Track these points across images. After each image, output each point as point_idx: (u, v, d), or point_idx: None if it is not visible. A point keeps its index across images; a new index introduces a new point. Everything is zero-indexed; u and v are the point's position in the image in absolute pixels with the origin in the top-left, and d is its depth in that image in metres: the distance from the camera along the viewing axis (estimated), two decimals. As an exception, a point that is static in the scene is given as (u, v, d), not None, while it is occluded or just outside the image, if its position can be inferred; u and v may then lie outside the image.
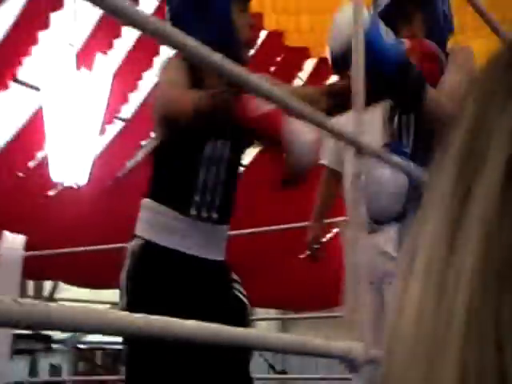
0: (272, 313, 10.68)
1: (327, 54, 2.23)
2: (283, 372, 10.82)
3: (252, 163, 7.36)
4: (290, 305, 9.69)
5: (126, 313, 0.93)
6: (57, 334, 9.96)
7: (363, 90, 1.37)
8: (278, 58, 6.19)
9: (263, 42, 6.07)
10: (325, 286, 8.21)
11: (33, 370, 9.60)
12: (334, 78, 7.24)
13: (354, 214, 1.35)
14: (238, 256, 7.58)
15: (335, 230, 7.84)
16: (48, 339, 9.66)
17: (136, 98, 6.38)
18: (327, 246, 8.92)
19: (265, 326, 11.24)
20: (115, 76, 5.71)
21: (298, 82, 6.65)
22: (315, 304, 8.74)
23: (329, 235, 8.39)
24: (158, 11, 5.50)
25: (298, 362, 11.10)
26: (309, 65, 6.47)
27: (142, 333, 0.89)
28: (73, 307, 0.90)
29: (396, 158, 1.57)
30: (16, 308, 0.81)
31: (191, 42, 1.08)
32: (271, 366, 10.99)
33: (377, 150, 1.34)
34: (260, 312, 10.79)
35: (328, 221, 6.14)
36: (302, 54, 6.07)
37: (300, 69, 6.32)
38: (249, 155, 7.34)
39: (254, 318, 11.55)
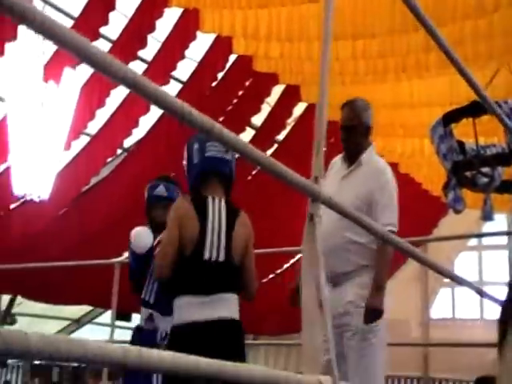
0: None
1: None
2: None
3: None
4: (249, 329, 9.70)
5: (108, 343, 0.96)
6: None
7: (324, 140, 1.43)
8: (247, 83, 6.28)
9: (232, 66, 6.16)
10: (284, 312, 8.27)
11: (-15, 386, 9.36)
12: (301, 105, 7.36)
13: (307, 247, 1.41)
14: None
15: (297, 257, 7.94)
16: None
17: (103, 115, 6.38)
18: (288, 272, 9.00)
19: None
20: (82, 91, 5.71)
21: (265, 107, 6.76)
22: (275, 329, 8.77)
23: (291, 261, 8.51)
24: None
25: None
26: (277, 90, 6.58)
27: (123, 363, 0.93)
28: (53, 336, 0.90)
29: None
30: None
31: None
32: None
33: (328, 198, 1.40)
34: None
35: (290, 248, 6.25)
36: (271, 79, 6.18)
37: (268, 94, 6.42)
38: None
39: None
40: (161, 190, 3.37)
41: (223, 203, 2.48)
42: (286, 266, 8.50)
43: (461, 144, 3.89)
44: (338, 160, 3.09)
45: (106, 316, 9.54)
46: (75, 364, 11.17)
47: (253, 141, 6.71)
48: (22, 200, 6.06)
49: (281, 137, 7.22)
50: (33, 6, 0.96)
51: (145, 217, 3.42)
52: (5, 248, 6.18)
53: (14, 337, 0.88)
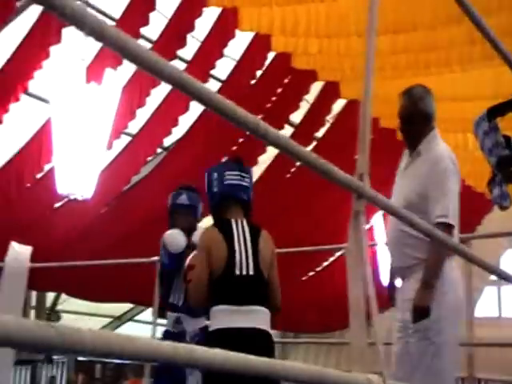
0: (272, 334, 10.62)
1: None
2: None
3: (259, 181, 7.43)
4: (289, 327, 9.68)
5: (158, 341, 0.97)
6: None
7: (369, 136, 1.41)
8: (285, 80, 6.26)
9: (270, 64, 6.15)
10: (326, 310, 8.25)
11: (33, 381, 9.59)
12: (340, 102, 7.31)
13: (353, 245, 1.40)
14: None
15: (338, 254, 7.90)
16: (47, 350, 9.62)
17: (143, 114, 6.46)
18: (329, 270, 8.97)
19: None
20: (123, 91, 5.78)
21: (303, 104, 6.73)
22: (315, 327, 8.74)
23: (331, 259, 8.47)
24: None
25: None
26: (316, 87, 6.55)
27: (173, 359, 0.94)
28: (107, 333, 0.92)
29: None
30: (52, 333, 0.85)
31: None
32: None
33: (374, 195, 1.39)
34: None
35: (331, 247, 6.23)
36: (309, 76, 6.15)
37: (307, 91, 6.40)
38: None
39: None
40: (183, 198, 3.63)
41: (245, 223, 2.70)
42: (325, 263, 8.46)
43: (507, 138, 3.79)
44: (406, 151, 3.04)
45: (147, 313, 9.64)
46: (117, 361, 11.35)
47: (292, 138, 6.69)
48: (65, 199, 6.17)
49: (320, 134, 7.18)
50: (83, 8, 0.98)
51: (168, 223, 3.60)
52: (49, 246, 6.30)
53: (69, 333, 0.89)
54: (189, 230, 3.43)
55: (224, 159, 5.46)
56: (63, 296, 8.63)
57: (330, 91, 6.45)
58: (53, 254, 6.07)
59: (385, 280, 3.01)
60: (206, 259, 2.59)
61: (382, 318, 1.58)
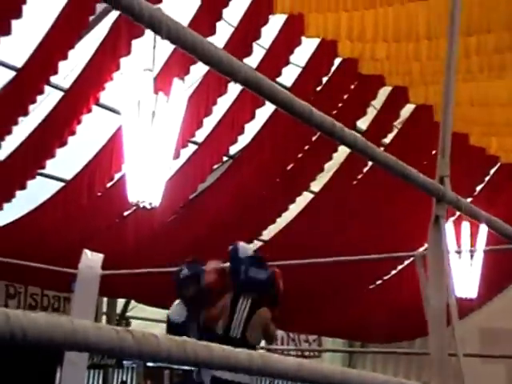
0: (339, 342, 10.49)
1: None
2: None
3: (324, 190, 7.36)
4: (356, 336, 9.53)
5: (233, 348, 0.95)
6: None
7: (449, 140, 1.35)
8: (352, 86, 6.19)
9: (337, 70, 6.09)
10: (394, 319, 8.07)
11: (105, 384, 9.81)
12: (409, 107, 7.15)
13: (433, 251, 1.34)
14: (308, 283, 7.55)
15: (407, 262, 7.71)
16: (117, 355, 9.83)
17: (209, 123, 6.53)
18: (398, 278, 8.76)
19: (329, 356, 11.01)
20: (190, 100, 5.86)
21: (371, 110, 6.64)
22: (383, 337, 8.56)
23: (400, 267, 8.28)
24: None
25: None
26: (383, 93, 6.44)
27: (248, 368, 0.92)
28: (183, 340, 0.92)
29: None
30: (130, 339, 0.85)
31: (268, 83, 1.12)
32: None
33: (455, 199, 1.33)
34: (327, 341, 10.64)
35: (399, 254, 6.08)
36: (377, 81, 6.06)
37: (374, 96, 6.30)
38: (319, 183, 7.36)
39: (323, 348, 11.28)
40: (185, 272, 4.29)
41: (249, 302, 3.80)
42: (393, 272, 8.28)
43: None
44: None
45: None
46: (186, 367, 11.47)
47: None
48: (134, 207, 6.29)
49: (387, 140, 7.06)
50: (160, 12, 0.97)
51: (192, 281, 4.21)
52: (119, 254, 6.44)
53: (146, 339, 0.89)
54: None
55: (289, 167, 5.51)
56: (133, 303, 8.79)
57: (398, 96, 6.33)
58: (123, 260, 6.19)
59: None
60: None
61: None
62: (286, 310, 7.98)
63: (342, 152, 6.66)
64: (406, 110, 6.69)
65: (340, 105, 6.31)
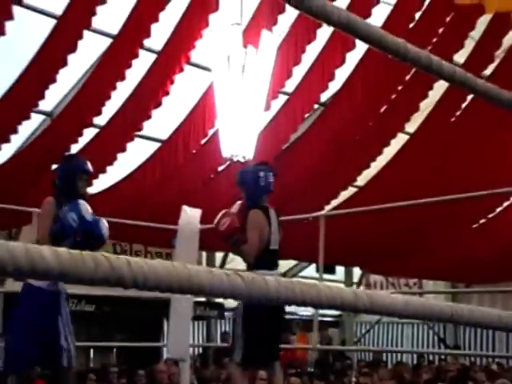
0: (441, 285, 10.30)
1: None
2: (456, 347, 10.43)
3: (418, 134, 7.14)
4: (460, 278, 9.30)
5: (340, 287, 0.96)
6: (229, 303, 10.49)
7: None
8: (447, 19, 5.87)
9: (430, 3, 5.79)
10: (501, 257, 7.78)
11: (208, 335, 10.21)
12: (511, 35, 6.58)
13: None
14: (407, 227, 7.38)
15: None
16: (221, 307, 10.17)
17: (299, 72, 6.45)
18: (503, 215, 8.39)
19: (431, 300, 10.84)
20: (279, 50, 5.80)
21: (469, 43, 6.28)
22: (490, 277, 8.30)
23: (506, 203, 7.92)
24: None
25: (472, 338, 10.58)
26: (482, 22, 6.04)
27: (354, 306, 0.93)
28: (291, 281, 0.94)
29: None
30: (239, 281, 0.88)
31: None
32: (441, 340, 10.67)
33: None
34: (428, 284, 10.48)
35: (502, 190, 5.81)
36: (475, 10, 5.66)
37: (472, 27, 5.93)
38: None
39: (423, 291, 11.08)
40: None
41: (273, 211, 3.66)
42: (498, 209, 7.91)
43: None
44: None
45: (311, 269, 9.79)
46: (288, 317, 11.68)
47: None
48: (228, 162, 6.39)
49: (488, 71, 6.66)
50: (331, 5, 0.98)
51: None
52: (216, 208, 6.57)
53: (255, 281, 0.92)
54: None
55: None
56: (231, 255, 9.01)
57: (500, 23, 5.90)
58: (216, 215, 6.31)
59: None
60: (257, 233, 3.55)
61: None
62: (384, 254, 7.93)
63: (439, 88, 6.39)
64: (510, 38, 6.25)
65: (435, 40, 6.01)
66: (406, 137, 7.33)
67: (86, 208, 3.19)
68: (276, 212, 3.66)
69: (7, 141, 5.77)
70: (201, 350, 9.38)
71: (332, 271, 9.64)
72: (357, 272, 10.53)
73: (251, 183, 3.62)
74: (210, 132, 6.58)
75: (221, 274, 0.90)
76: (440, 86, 6.23)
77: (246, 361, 3.38)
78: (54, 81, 5.55)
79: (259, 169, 3.70)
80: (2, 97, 5.70)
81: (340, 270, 10.29)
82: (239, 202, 3.68)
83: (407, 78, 6.36)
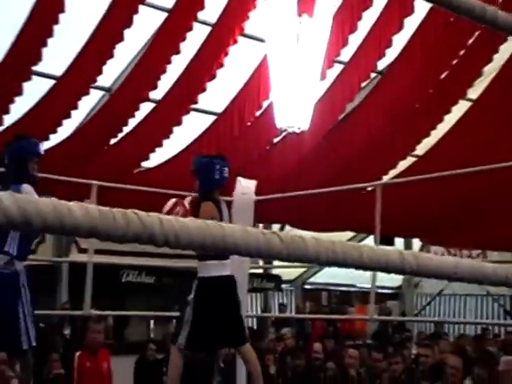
0: (507, 256, 9.97)
1: None
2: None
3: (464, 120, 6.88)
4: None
5: (385, 248, 0.92)
6: (286, 274, 10.52)
7: None
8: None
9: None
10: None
11: (265, 307, 10.28)
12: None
13: None
14: (468, 196, 7.12)
15: None
16: (278, 279, 10.21)
17: (355, 39, 6.30)
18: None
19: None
20: (334, 18, 5.67)
21: None
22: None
23: None
24: None
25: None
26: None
27: (401, 268, 0.89)
28: (330, 242, 0.91)
29: None
30: (276, 240, 0.85)
31: None
32: (507, 313, 10.39)
33: None
34: (492, 255, 10.17)
35: None
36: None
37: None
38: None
39: (489, 261, 10.76)
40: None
41: (225, 204, 3.73)
42: None
43: None
44: None
45: (369, 241, 9.66)
46: (343, 288, 11.64)
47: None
48: (284, 133, 6.34)
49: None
50: None
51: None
52: (271, 179, 6.56)
53: (293, 240, 0.89)
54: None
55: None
56: (287, 227, 9.00)
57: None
58: (274, 186, 6.31)
59: None
60: None
61: None
62: (445, 225, 7.72)
63: (505, 52, 6.11)
64: None
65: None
66: (469, 103, 7.07)
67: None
68: (227, 205, 3.75)
69: (68, 116, 5.91)
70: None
71: (391, 243, 9.50)
72: (416, 244, 10.35)
73: (206, 175, 3.63)
74: (265, 104, 6.53)
75: (257, 233, 0.88)
76: (506, 49, 5.96)
77: (190, 347, 3.44)
78: (111, 56, 5.61)
79: (216, 162, 3.69)
80: (63, 73, 5.82)
81: (399, 242, 10.13)
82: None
83: (470, 41, 6.10)
